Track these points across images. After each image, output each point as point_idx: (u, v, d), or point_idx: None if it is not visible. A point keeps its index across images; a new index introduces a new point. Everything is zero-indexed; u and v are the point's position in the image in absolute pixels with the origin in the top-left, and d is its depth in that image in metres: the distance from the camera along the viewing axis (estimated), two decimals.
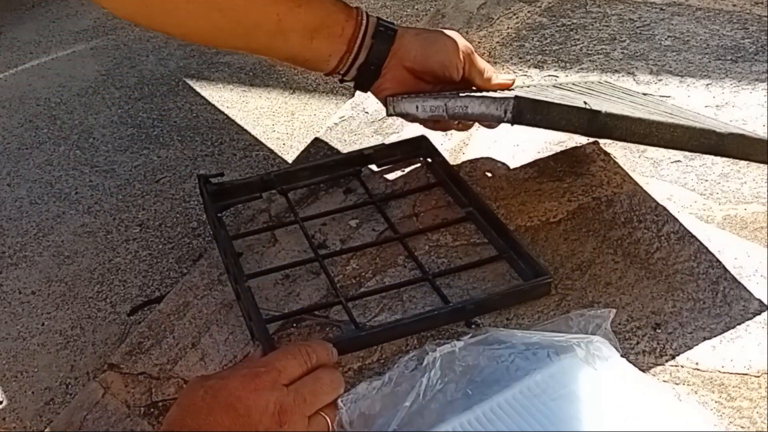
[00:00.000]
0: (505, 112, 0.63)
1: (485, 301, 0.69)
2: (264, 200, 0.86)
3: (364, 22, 0.82)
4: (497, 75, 0.85)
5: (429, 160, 0.88)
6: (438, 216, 0.81)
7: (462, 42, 0.83)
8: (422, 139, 0.89)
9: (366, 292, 0.73)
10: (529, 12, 1.16)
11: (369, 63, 0.82)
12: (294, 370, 0.60)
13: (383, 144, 0.90)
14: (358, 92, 0.88)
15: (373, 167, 0.89)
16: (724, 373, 0.62)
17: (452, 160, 0.85)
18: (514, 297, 0.69)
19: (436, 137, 0.89)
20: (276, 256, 0.79)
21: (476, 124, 0.88)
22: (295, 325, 0.71)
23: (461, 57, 0.82)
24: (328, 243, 0.79)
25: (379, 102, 0.86)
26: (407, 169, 0.88)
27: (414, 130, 0.94)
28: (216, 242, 0.80)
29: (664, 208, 0.79)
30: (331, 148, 0.94)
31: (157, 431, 0.63)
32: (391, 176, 0.88)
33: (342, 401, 0.60)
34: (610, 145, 0.88)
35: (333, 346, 0.64)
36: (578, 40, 1.08)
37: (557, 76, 1.00)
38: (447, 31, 0.85)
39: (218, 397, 0.57)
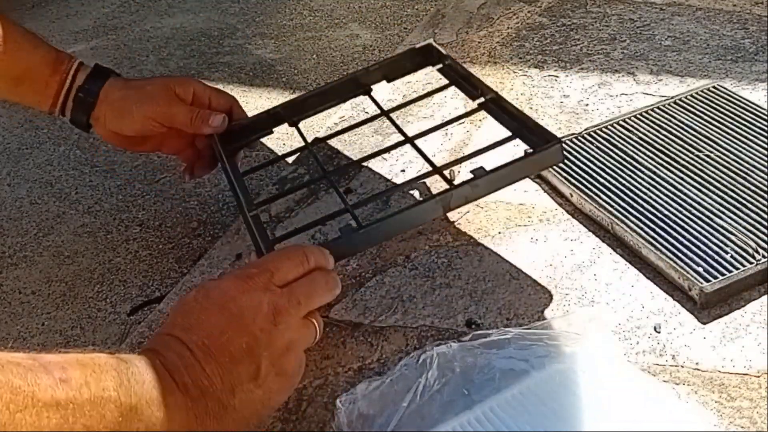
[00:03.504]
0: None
1: (496, 171, 0.66)
2: (264, 201, 0.85)
3: (68, 82, 0.81)
4: (213, 116, 0.81)
5: (440, 65, 0.86)
6: (452, 112, 0.79)
7: (180, 89, 0.81)
8: (430, 47, 0.87)
9: (366, 200, 0.79)
10: (529, 12, 1.16)
11: (73, 121, 0.83)
12: (288, 271, 0.60)
13: (389, 58, 0.89)
14: None
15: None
16: (724, 373, 0.62)
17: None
18: (526, 166, 0.67)
19: (436, 138, 0.89)
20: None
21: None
22: None
23: (169, 110, 0.80)
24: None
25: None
26: (419, 74, 0.87)
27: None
28: (228, 180, 0.79)
29: None
30: (331, 148, 0.94)
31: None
32: (401, 85, 0.86)
33: (341, 401, 0.60)
34: None
35: (330, 253, 0.64)
36: (578, 40, 1.08)
37: (557, 76, 1.00)
38: (155, 83, 0.82)
39: (211, 297, 0.57)
